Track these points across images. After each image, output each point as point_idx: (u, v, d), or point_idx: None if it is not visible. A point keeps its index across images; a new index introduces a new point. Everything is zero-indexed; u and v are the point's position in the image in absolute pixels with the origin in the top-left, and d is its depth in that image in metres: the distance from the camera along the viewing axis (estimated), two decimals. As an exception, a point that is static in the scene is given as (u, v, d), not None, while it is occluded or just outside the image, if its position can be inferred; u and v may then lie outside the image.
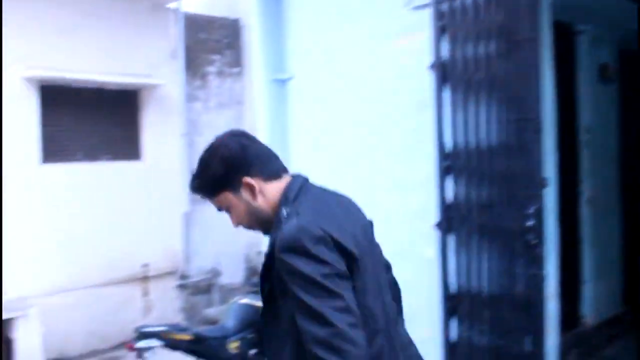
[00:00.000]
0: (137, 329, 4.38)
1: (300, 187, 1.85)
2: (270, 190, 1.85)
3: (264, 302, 1.83)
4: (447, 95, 3.47)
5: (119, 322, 7.09)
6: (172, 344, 4.32)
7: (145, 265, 7.38)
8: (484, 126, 3.29)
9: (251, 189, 1.83)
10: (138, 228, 7.25)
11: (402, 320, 1.97)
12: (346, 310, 1.61)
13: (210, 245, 7.60)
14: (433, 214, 3.53)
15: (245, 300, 4.60)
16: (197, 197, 2.02)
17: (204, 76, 7.30)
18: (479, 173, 3.32)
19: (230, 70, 7.32)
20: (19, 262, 6.65)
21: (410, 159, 3.70)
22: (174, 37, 7.55)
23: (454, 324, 3.44)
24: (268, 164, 1.88)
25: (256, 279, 7.19)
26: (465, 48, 3.40)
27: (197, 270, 7.69)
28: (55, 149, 7.04)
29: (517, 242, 3.14)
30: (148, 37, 7.64)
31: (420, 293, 3.66)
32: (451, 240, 3.45)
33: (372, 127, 3.89)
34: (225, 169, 1.84)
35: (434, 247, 3.53)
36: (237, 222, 1.93)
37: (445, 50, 3.48)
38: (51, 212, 6.89)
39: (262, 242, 8.14)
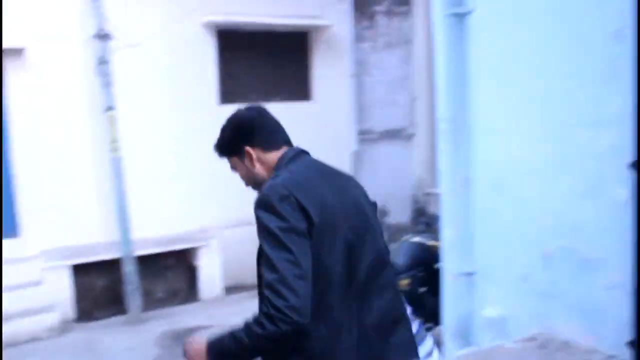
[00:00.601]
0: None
1: (293, 157, 2.19)
2: (269, 159, 2.20)
3: (258, 253, 2.07)
4: (650, 21, 3.15)
5: (289, 257, 7.44)
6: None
7: (314, 203, 7.65)
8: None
9: (250, 157, 2.20)
10: (308, 167, 7.49)
11: (392, 294, 2.18)
12: (294, 262, 1.88)
13: (378, 185, 7.68)
14: (627, 153, 3.27)
15: (417, 239, 4.63)
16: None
17: (371, 16, 7.24)
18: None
19: (398, 8, 7.19)
20: (201, 197, 7.18)
21: (603, 93, 3.42)
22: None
23: (648, 271, 3.21)
24: (270, 137, 2.23)
25: (424, 219, 7.20)
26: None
27: (365, 209, 7.81)
28: (231, 90, 7.42)
29: None
30: (316, -21, 7.71)
31: (609, 236, 3.44)
32: (648, 181, 3.18)
33: (560, 60, 3.64)
34: (234, 136, 2.21)
35: (627, 188, 3.28)
36: (245, 183, 2.30)
37: (651, -29, 3.14)
38: (229, 150, 7.31)
39: (429, 184, 8.07)
